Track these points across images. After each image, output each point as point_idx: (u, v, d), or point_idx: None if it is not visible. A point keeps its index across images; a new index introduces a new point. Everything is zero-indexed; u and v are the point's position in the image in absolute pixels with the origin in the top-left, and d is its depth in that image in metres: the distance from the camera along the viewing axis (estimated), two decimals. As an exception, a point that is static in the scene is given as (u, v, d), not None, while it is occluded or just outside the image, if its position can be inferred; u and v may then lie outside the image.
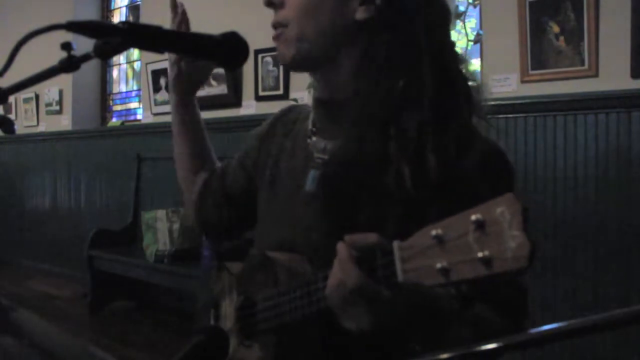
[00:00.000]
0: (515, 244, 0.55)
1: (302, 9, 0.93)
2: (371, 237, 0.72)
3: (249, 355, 0.97)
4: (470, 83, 0.95)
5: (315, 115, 1.04)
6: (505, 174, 0.93)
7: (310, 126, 1.04)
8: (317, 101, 1.03)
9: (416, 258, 0.64)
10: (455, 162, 0.87)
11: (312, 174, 0.99)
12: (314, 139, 1.02)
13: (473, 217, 0.58)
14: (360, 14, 0.93)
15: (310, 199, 0.98)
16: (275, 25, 0.96)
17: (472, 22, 3.17)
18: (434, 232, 0.62)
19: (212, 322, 1.05)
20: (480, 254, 0.57)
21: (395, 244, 0.67)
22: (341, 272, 0.72)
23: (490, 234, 0.57)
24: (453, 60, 0.94)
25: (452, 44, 0.97)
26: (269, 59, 3.74)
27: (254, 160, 1.14)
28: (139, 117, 5.03)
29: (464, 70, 0.95)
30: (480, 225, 0.58)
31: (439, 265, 0.61)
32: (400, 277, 0.66)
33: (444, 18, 0.95)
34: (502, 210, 0.57)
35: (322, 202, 0.95)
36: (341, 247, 0.74)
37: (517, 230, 0.56)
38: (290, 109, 1.16)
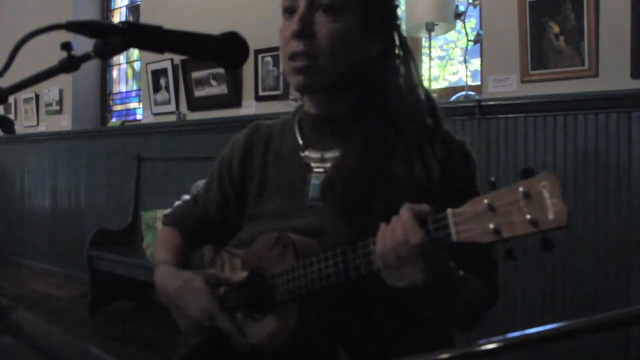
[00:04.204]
0: (556, 209, 0.70)
1: (337, 42, 0.99)
2: (425, 207, 0.83)
3: (262, 327, 0.99)
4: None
5: (307, 129, 1.11)
6: (470, 158, 1.07)
7: (300, 141, 1.10)
8: (312, 117, 1.10)
9: (469, 222, 0.77)
10: (445, 157, 1.00)
11: (314, 182, 1.05)
12: (306, 152, 1.08)
13: (521, 189, 0.73)
14: (374, 50, 1.03)
15: (316, 204, 1.03)
16: (302, 55, 0.99)
17: (472, 22, 3.17)
18: (486, 201, 0.75)
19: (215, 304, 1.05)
20: (528, 216, 0.72)
21: (449, 211, 0.79)
22: (404, 231, 0.81)
23: (535, 202, 0.72)
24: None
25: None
26: (269, 59, 3.74)
27: (237, 178, 1.17)
28: (138, 117, 5.03)
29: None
30: (526, 195, 0.72)
31: (491, 226, 0.75)
32: (454, 237, 0.78)
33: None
34: (544, 183, 0.72)
35: (333, 204, 1.01)
36: (405, 210, 0.83)
37: (556, 199, 0.71)
38: (257, 127, 1.20)
